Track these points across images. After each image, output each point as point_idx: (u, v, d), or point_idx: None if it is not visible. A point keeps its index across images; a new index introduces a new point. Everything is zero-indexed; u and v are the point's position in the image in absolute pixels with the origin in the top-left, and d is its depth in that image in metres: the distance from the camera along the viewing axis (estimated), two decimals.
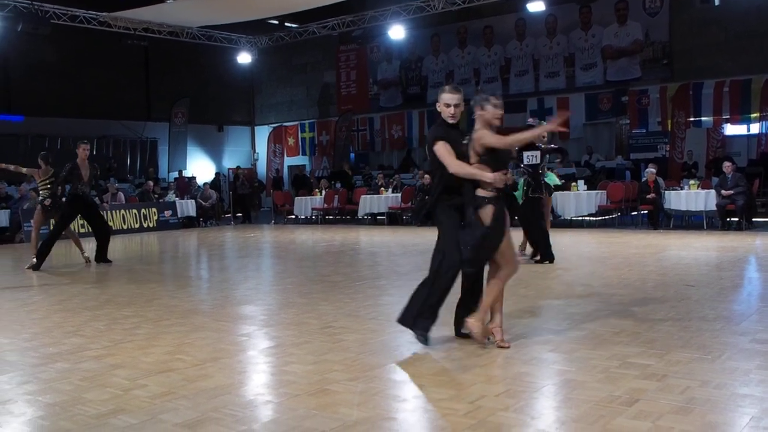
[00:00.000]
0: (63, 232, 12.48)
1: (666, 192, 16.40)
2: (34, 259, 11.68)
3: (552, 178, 11.58)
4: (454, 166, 5.46)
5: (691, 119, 21.35)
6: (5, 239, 17.79)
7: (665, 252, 11.95)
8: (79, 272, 11.57)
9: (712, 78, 20.75)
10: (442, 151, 5.49)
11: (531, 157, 10.48)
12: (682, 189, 16.45)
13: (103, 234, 12.54)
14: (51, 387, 4.84)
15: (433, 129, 5.78)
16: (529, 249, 11.11)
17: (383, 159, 28.40)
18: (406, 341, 5.89)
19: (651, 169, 16.60)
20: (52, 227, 12.65)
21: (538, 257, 10.77)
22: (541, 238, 10.71)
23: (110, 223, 19.09)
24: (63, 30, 21.97)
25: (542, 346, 5.55)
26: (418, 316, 5.56)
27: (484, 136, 5.44)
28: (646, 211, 16.80)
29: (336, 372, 4.98)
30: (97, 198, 12.51)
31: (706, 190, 15.92)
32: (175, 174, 27.44)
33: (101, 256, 12.43)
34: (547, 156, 10.95)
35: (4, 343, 6.26)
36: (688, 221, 16.86)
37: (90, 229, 13.04)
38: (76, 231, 13.01)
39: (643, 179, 16.85)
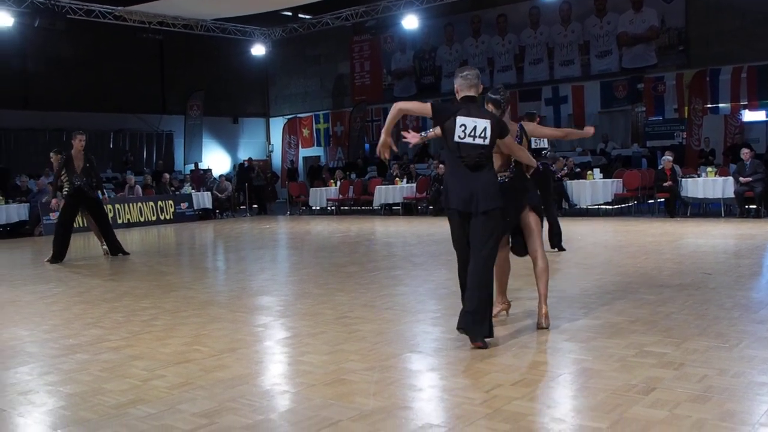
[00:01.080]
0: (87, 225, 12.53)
1: (683, 179, 16.27)
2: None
3: None
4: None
5: (708, 106, 21.19)
6: (24, 232, 17.87)
7: (682, 240, 11.88)
8: (97, 264, 11.61)
9: (729, 64, 20.57)
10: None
11: (538, 141, 10.36)
12: (699, 176, 16.32)
13: (103, 225, 12.37)
14: (71, 378, 4.88)
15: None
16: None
17: (399, 149, 28.20)
18: (422, 331, 5.91)
19: (668, 157, 16.48)
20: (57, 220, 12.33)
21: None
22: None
23: (128, 216, 19.37)
24: (79, 25, 22.14)
25: (558, 334, 5.54)
26: None
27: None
28: (662, 199, 16.70)
29: (352, 362, 4.99)
30: (99, 192, 12.32)
31: (723, 178, 15.78)
32: (191, 166, 27.55)
33: (114, 247, 12.32)
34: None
35: (25, 334, 6.32)
36: (706, 209, 16.76)
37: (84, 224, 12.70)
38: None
39: (660, 167, 16.75)
